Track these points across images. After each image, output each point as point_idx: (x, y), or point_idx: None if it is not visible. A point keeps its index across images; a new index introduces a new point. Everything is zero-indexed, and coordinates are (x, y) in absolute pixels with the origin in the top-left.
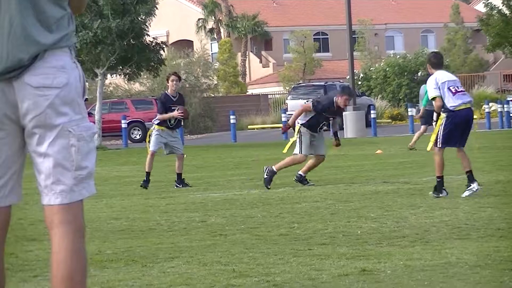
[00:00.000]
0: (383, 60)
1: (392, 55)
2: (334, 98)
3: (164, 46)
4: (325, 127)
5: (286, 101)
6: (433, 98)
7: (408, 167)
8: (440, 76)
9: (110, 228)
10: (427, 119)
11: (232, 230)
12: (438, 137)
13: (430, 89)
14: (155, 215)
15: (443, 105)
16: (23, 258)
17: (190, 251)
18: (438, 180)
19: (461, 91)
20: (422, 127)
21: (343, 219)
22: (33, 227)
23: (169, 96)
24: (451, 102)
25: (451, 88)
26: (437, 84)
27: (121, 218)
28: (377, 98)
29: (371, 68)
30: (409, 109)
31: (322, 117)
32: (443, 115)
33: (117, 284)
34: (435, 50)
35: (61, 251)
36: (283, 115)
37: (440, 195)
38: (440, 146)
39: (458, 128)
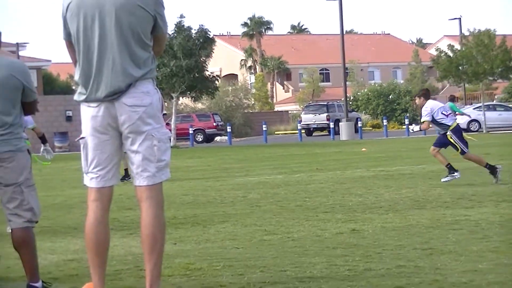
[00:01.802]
0: (366, 88)
1: (372, 84)
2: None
3: (217, 78)
4: None
5: (301, 115)
6: (423, 122)
7: (383, 160)
8: (433, 104)
9: (181, 201)
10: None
11: (264, 203)
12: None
13: (424, 113)
14: (211, 192)
15: (441, 124)
16: (122, 221)
17: (235, 217)
18: (448, 167)
19: (450, 113)
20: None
21: (339, 195)
22: (129, 200)
23: None
24: (447, 120)
25: (443, 112)
26: (432, 111)
27: (188, 194)
28: (362, 113)
29: (358, 93)
30: (384, 121)
31: None
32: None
33: (186, 239)
34: (425, 87)
35: (147, 217)
36: (298, 124)
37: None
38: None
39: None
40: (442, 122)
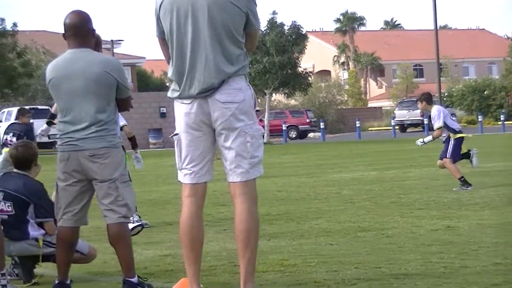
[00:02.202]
0: (460, 83)
1: (467, 80)
2: None
3: (310, 74)
4: None
5: (394, 111)
6: (437, 128)
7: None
8: (441, 109)
9: (274, 197)
10: None
11: (358, 199)
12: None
13: (435, 119)
14: (305, 189)
15: (451, 129)
16: (216, 217)
17: (329, 213)
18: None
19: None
20: None
21: (434, 192)
22: (223, 196)
23: None
24: (455, 126)
25: (451, 117)
26: (443, 114)
27: (282, 190)
28: (457, 109)
29: (452, 89)
30: (479, 117)
31: None
32: (453, 135)
33: (280, 235)
34: (427, 91)
35: (241, 213)
36: (392, 121)
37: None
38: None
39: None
40: (452, 126)
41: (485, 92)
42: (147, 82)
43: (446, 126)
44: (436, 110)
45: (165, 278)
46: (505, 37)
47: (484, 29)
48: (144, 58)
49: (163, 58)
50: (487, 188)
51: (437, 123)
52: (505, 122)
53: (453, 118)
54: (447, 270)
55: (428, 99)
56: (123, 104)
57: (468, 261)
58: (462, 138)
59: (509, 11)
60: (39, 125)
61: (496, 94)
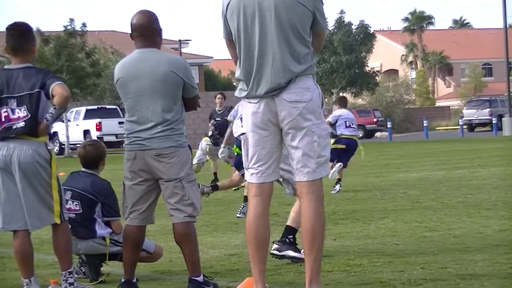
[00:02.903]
0: None
1: None
2: None
3: (378, 73)
4: None
5: (463, 111)
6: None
7: None
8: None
9: (341, 197)
10: None
11: (425, 199)
12: None
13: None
14: (372, 188)
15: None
16: (283, 217)
17: (396, 213)
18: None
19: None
20: None
21: (502, 192)
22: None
23: (215, 110)
24: (341, 131)
25: (346, 122)
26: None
27: (348, 190)
28: None
29: None
30: None
31: None
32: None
33: (345, 234)
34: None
35: (308, 212)
36: (460, 120)
37: None
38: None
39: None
40: (337, 131)
41: None
42: (214, 82)
43: (332, 126)
44: (338, 112)
45: (231, 277)
46: None
47: None
48: (212, 57)
49: (230, 58)
50: None
51: (329, 118)
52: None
53: (353, 127)
54: None
55: (341, 102)
56: (190, 103)
57: None
58: (338, 148)
59: None
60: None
61: None
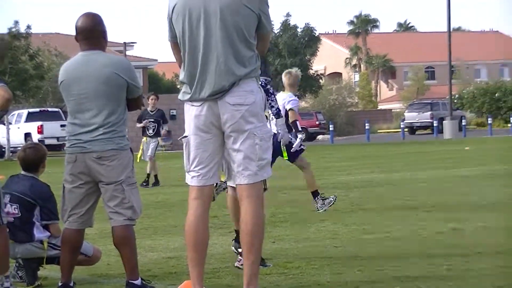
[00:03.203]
0: (472, 85)
1: (478, 82)
2: None
3: (322, 76)
4: None
5: (404, 114)
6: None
7: (488, 159)
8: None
9: (281, 199)
10: None
11: (365, 202)
12: None
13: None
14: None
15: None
16: (222, 220)
17: (336, 216)
18: None
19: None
20: None
21: (441, 194)
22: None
23: (147, 111)
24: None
25: None
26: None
27: (288, 193)
28: (467, 111)
29: (463, 91)
30: (489, 119)
31: None
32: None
33: (284, 237)
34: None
35: (247, 215)
36: (401, 123)
37: None
38: None
39: None
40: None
41: (496, 95)
42: (158, 85)
43: None
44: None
45: (169, 280)
46: None
47: (497, 31)
48: (156, 60)
49: (175, 60)
50: (496, 191)
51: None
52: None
53: None
54: (450, 272)
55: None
56: (134, 103)
57: (472, 263)
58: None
59: None
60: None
61: (507, 96)
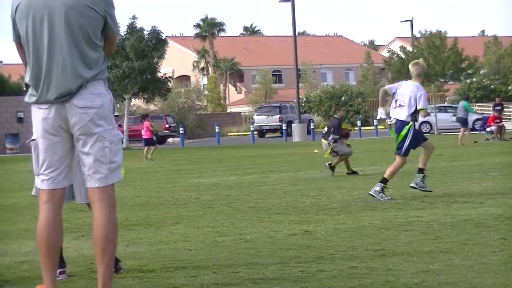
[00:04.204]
0: (319, 89)
1: (325, 86)
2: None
3: (170, 79)
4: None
5: (253, 117)
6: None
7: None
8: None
9: (133, 203)
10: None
11: (217, 204)
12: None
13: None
14: (164, 194)
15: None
16: (74, 223)
17: (188, 218)
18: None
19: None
20: (463, 128)
21: (292, 197)
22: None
23: None
24: None
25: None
26: None
27: (141, 196)
28: (315, 115)
29: (310, 94)
30: None
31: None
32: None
33: (138, 241)
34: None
35: (100, 219)
36: (251, 126)
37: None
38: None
39: None
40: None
41: (342, 98)
42: (4, 87)
43: None
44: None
45: (22, 285)
46: (362, 43)
47: (342, 35)
48: (1, 62)
49: (21, 62)
50: (344, 193)
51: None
52: (361, 128)
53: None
54: (304, 274)
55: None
56: None
57: (325, 265)
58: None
59: (365, 18)
60: None
61: (353, 100)
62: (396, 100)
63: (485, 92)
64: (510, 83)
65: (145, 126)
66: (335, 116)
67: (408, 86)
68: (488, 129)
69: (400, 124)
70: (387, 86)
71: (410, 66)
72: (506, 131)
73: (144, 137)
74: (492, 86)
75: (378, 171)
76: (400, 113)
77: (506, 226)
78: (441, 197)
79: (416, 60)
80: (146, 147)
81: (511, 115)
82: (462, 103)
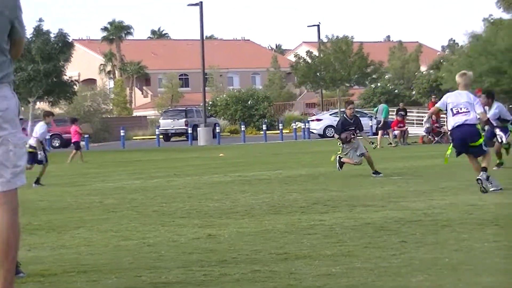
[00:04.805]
0: (225, 93)
1: (231, 90)
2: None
3: (76, 82)
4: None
5: (159, 121)
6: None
7: (241, 165)
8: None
9: (36, 207)
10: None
11: (121, 208)
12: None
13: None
14: (67, 198)
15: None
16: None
17: (91, 222)
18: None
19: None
20: (380, 132)
21: (196, 200)
22: None
23: None
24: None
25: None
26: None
27: (44, 200)
28: (221, 119)
29: (217, 98)
30: (242, 126)
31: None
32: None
33: (39, 245)
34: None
35: (2, 223)
36: (156, 130)
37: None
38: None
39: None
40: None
41: (249, 102)
42: None
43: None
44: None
45: None
46: (269, 48)
47: (249, 40)
48: None
49: None
50: (248, 197)
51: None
52: (267, 132)
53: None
54: (207, 278)
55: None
56: None
57: (228, 268)
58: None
59: (272, 22)
60: None
61: (259, 104)
62: (451, 109)
63: (389, 97)
64: (414, 88)
65: (73, 129)
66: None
67: (462, 95)
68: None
69: (471, 127)
70: (438, 105)
71: (457, 76)
72: (409, 135)
73: (73, 140)
74: (396, 91)
75: (282, 175)
76: (466, 118)
77: (407, 229)
78: (344, 201)
79: (463, 71)
80: (74, 151)
81: (414, 119)
82: (383, 106)
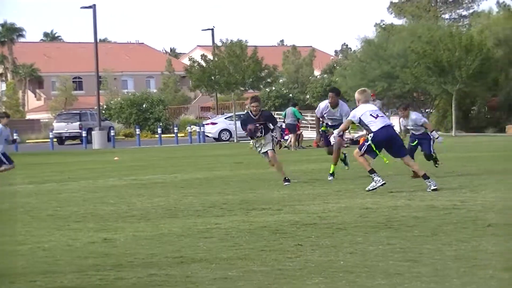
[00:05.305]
0: (119, 96)
1: (126, 93)
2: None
3: None
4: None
5: (53, 124)
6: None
7: (136, 169)
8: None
9: None
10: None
11: (14, 212)
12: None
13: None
14: None
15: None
16: None
17: None
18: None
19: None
20: (291, 135)
21: (91, 204)
22: None
23: None
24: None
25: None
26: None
27: None
28: (116, 122)
29: (111, 101)
30: (137, 130)
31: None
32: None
33: None
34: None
35: None
36: (50, 133)
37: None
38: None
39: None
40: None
41: (144, 106)
42: None
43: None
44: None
45: None
46: (163, 51)
47: (143, 43)
48: None
49: None
50: (143, 200)
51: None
52: (162, 135)
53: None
54: (103, 282)
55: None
56: None
57: (124, 272)
58: None
59: (167, 25)
60: None
61: (154, 107)
62: (371, 115)
63: (283, 101)
64: (308, 92)
65: None
66: None
67: (369, 105)
68: (286, 137)
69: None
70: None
71: (357, 94)
72: (303, 139)
73: None
74: (290, 95)
75: (178, 179)
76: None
77: (303, 232)
78: (240, 204)
79: (363, 88)
80: None
81: (308, 123)
82: (291, 109)
